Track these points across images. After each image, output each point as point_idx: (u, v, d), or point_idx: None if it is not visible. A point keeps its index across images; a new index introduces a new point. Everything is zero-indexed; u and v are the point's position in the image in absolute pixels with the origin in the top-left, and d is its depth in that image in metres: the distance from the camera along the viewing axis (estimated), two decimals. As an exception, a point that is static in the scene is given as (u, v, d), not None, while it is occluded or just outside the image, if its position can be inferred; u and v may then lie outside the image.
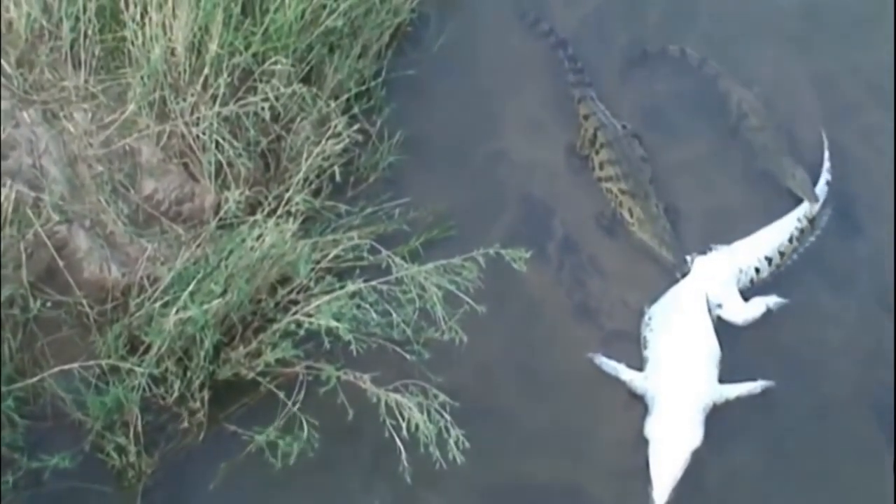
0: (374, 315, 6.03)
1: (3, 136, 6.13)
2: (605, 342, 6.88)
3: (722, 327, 6.97)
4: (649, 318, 6.96)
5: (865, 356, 7.07)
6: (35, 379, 5.76)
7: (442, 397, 5.98)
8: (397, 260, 6.21)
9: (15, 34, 6.40)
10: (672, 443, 6.46)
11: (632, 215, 7.32)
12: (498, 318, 6.49)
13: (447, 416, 5.94)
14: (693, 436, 6.50)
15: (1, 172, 6.00)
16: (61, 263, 6.05)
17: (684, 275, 7.15)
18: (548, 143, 7.68)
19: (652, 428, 6.55)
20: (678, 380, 6.66)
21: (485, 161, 7.50)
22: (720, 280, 7.14)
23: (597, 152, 7.54)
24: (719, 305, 7.06)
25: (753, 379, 6.81)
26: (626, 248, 7.32)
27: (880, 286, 7.34)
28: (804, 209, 7.52)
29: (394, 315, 6.07)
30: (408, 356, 6.18)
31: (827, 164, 7.75)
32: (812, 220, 7.52)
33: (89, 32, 6.41)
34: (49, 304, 5.91)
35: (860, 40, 8.38)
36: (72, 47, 6.45)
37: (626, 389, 6.74)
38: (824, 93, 8.16)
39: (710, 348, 6.81)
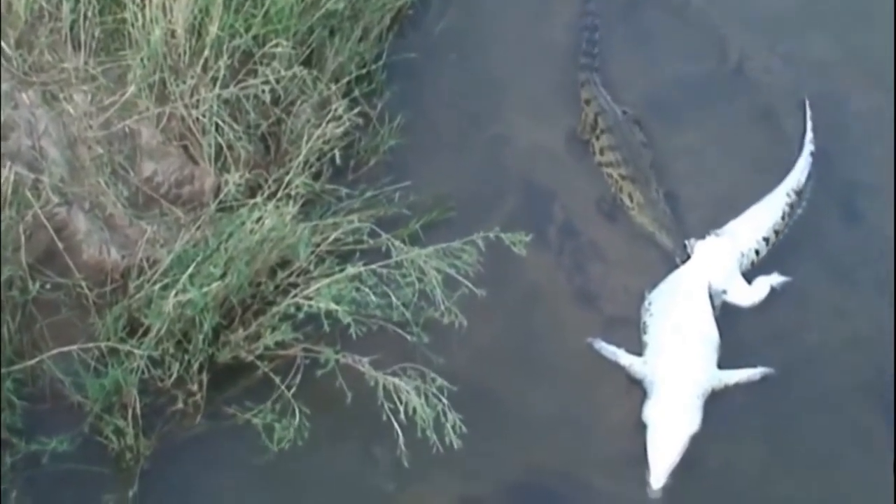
0: (374, 298, 6.02)
1: (2, 118, 6.11)
2: (605, 327, 6.87)
3: (723, 313, 6.95)
4: (649, 304, 6.95)
5: (865, 344, 7.04)
6: (34, 361, 5.77)
7: (440, 381, 5.99)
8: (397, 243, 6.21)
9: (14, 15, 6.36)
10: (670, 428, 6.46)
11: (632, 200, 7.31)
12: (498, 302, 6.52)
13: (445, 401, 5.94)
14: (691, 421, 6.50)
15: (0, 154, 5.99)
16: (60, 245, 6.04)
17: (684, 260, 7.13)
18: (549, 127, 7.65)
19: (650, 412, 6.55)
20: (677, 365, 6.65)
21: (486, 145, 7.49)
22: (723, 266, 7.13)
23: (597, 137, 7.54)
24: (724, 291, 7.06)
25: (753, 365, 6.81)
26: (626, 234, 7.30)
27: (881, 274, 7.31)
28: (791, 183, 7.52)
29: (393, 298, 6.06)
30: (408, 337, 6.17)
31: (810, 135, 7.75)
32: (799, 193, 7.52)
33: (89, 14, 6.38)
34: (48, 286, 5.92)
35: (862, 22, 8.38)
36: (72, 29, 6.42)
37: (626, 374, 6.73)
38: (823, 74, 8.16)
39: (708, 334, 6.81)
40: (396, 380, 5.96)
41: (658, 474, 6.34)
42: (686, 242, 7.19)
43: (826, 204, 7.58)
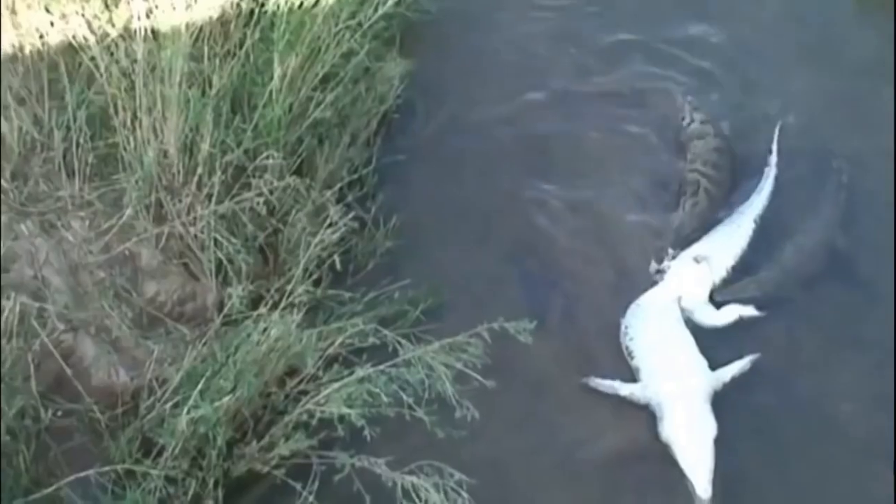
0: (385, 398, 6.01)
1: (3, 250, 6.15)
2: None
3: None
4: (626, 328, 7.05)
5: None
6: (51, 489, 5.68)
7: (458, 476, 5.92)
8: (404, 342, 6.21)
9: (8, 148, 6.44)
10: (695, 437, 6.50)
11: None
12: (507, 391, 6.49)
13: (465, 494, 5.88)
14: (710, 425, 6.56)
15: (3, 285, 6.01)
16: (69, 372, 6.03)
17: (659, 274, 7.33)
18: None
19: (669, 432, 6.58)
20: (677, 378, 6.73)
21: (482, 238, 7.59)
22: (695, 292, 7.27)
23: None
24: (691, 312, 7.19)
25: (740, 357, 6.90)
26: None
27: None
28: (757, 209, 7.69)
29: (404, 396, 6.05)
30: (423, 433, 6.11)
31: (774, 159, 7.96)
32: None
33: (81, 141, 6.45)
34: (60, 413, 5.89)
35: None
36: (64, 157, 6.49)
37: (628, 403, 6.79)
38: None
39: (688, 339, 6.95)
40: (414, 478, 5.90)
41: (703, 483, 6.33)
42: (664, 260, 7.37)
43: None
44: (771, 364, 6.97)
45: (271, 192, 6.56)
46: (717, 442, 6.49)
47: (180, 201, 6.51)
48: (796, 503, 6.55)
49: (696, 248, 7.44)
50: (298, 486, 5.99)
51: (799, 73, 8.73)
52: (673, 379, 6.73)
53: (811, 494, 6.56)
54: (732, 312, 7.19)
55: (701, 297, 7.25)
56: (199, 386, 5.91)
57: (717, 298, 7.29)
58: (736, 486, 6.48)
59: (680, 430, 6.56)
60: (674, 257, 7.40)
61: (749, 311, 7.19)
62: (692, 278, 7.29)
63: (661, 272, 7.34)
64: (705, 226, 7.61)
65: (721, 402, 6.73)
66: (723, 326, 7.17)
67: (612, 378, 6.86)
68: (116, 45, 6.60)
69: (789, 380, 6.97)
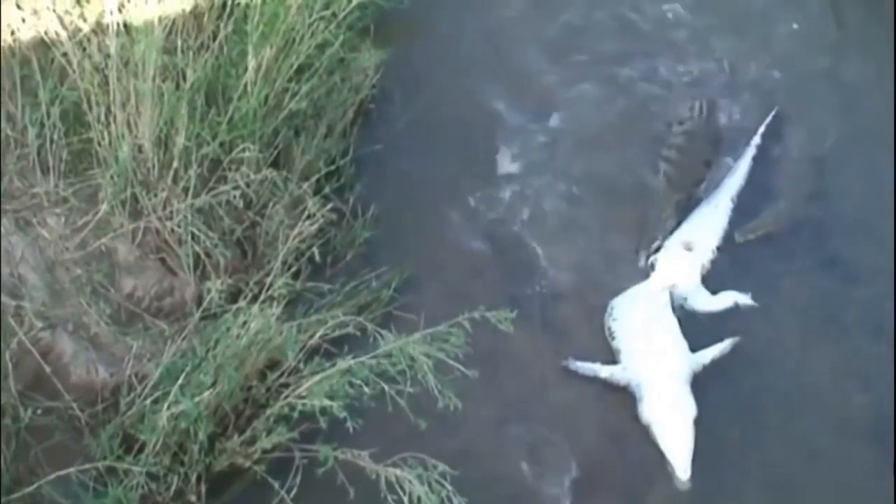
0: (367, 390, 5.98)
1: (-21, 250, 6.12)
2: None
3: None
4: (612, 308, 7.06)
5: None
6: (32, 487, 5.65)
7: (441, 467, 5.91)
8: (384, 332, 6.18)
9: (-19, 147, 6.41)
10: (675, 419, 6.52)
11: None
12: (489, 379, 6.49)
13: (448, 486, 5.87)
14: (689, 406, 6.58)
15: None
16: (48, 369, 5.98)
17: (648, 269, 7.33)
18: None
19: (648, 413, 6.60)
20: (657, 360, 6.75)
21: (460, 226, 7.57)
22: (686, 278, 7.26)
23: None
24: (685, 298, 7.19)
25: (720, 339, 6.92)
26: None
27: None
28: (735, 188, 7.71)
29: (386, 388, 6.03)
30: (406, 425, 6.08)
31: (758, 140, 8.03)
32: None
33: (55, 137, 6.39)
34: (39, 411, 5.83)
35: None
36: (39, 153, 6.42)
37: (606, 384, 6.81)
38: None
39: (672, 322, 6.95)
40: (398, 471, 5.88)
41: (683, 464, 6.36)
42: (650, 253, 7.39)
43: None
44: (750, 345, 7.00)
45: (248, 185, 6.52)
46: (697, 423, 6.51)
47: (156, 196, 6.45)
48: (776, 483, 6.56)
49: (680, 235, 7.45)
50: (279, 482, 5.96)
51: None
52: (653, 360, 6.75)
53: (791, 475, 6.59)
54: (728, 299, 7.20)
55: (693, 283, 7.25)
56: (180, 381, 5.88)
57: (739, 240, 7.43)
58: (716, 466, 6.51)
59: (660, 412, 6.58)
60: (658, 248, 7.39)
61: (745, 298, 7.20)
62: (681, 265, 7.29)
63: (651, 265, 7.33)
64: (679, 209, 7.59)
65: (701, 383, 6.76)
66: (718, 312, 7.18)
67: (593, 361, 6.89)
68: (89, 40, 6.56)
69: (768, 360, 7.01)
